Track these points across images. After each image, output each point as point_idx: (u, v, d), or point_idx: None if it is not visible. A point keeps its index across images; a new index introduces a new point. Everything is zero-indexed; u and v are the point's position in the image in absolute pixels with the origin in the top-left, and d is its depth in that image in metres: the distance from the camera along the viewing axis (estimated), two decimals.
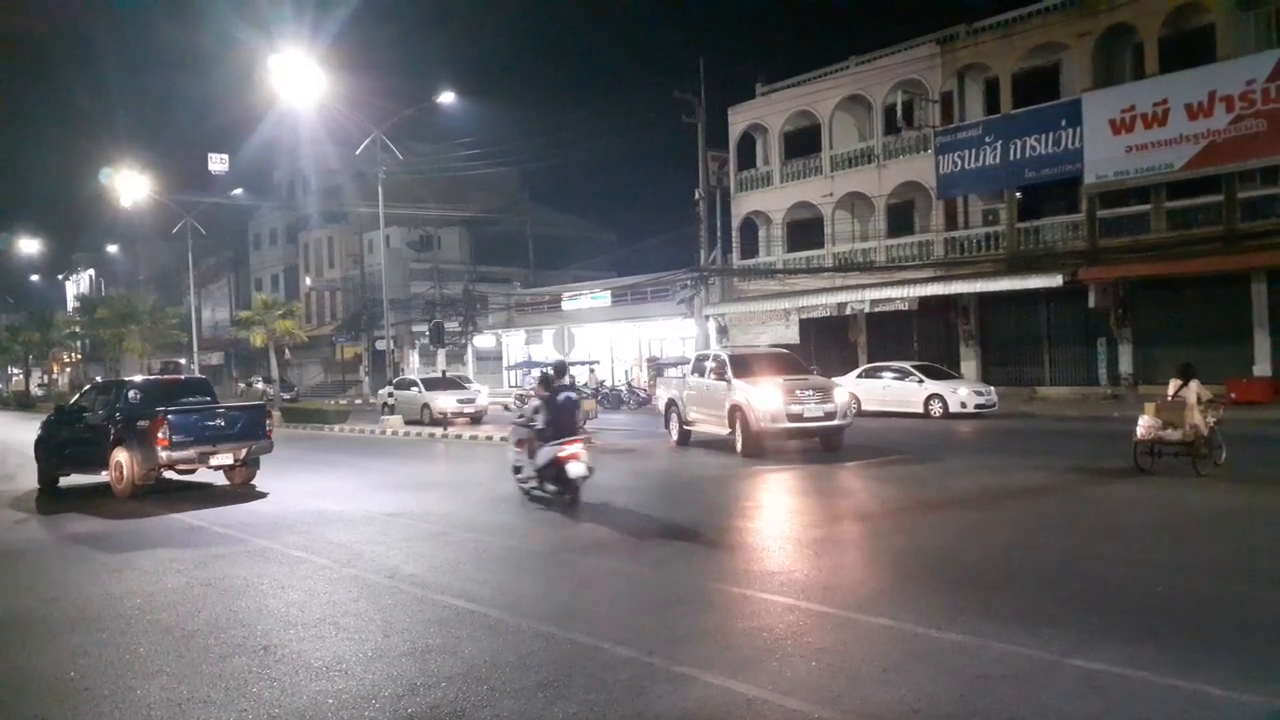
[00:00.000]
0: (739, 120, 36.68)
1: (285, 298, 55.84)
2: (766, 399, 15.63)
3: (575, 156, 60.01)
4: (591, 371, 33.68)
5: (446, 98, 29.68)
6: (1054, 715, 4.54)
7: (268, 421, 14.82)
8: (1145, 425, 12.37)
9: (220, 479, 14.94)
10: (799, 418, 15.59)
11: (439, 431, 24.26)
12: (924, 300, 29.78)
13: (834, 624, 6.19)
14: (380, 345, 46.40)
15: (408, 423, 26.48)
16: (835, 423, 15.87)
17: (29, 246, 72.00)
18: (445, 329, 41.76)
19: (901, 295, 30.12)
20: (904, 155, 31.42)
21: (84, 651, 6.19)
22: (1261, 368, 23.58)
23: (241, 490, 14.36)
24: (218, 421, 14.01)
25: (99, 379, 28.16)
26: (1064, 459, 14.54)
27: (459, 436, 23.14)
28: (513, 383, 43.62)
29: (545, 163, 60.90)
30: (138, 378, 16.99)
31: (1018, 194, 28.89)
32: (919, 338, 30.82)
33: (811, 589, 7.13)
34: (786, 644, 5.78)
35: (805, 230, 34.86)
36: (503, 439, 21.56)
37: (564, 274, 52.34)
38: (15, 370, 77.16)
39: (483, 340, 47.39)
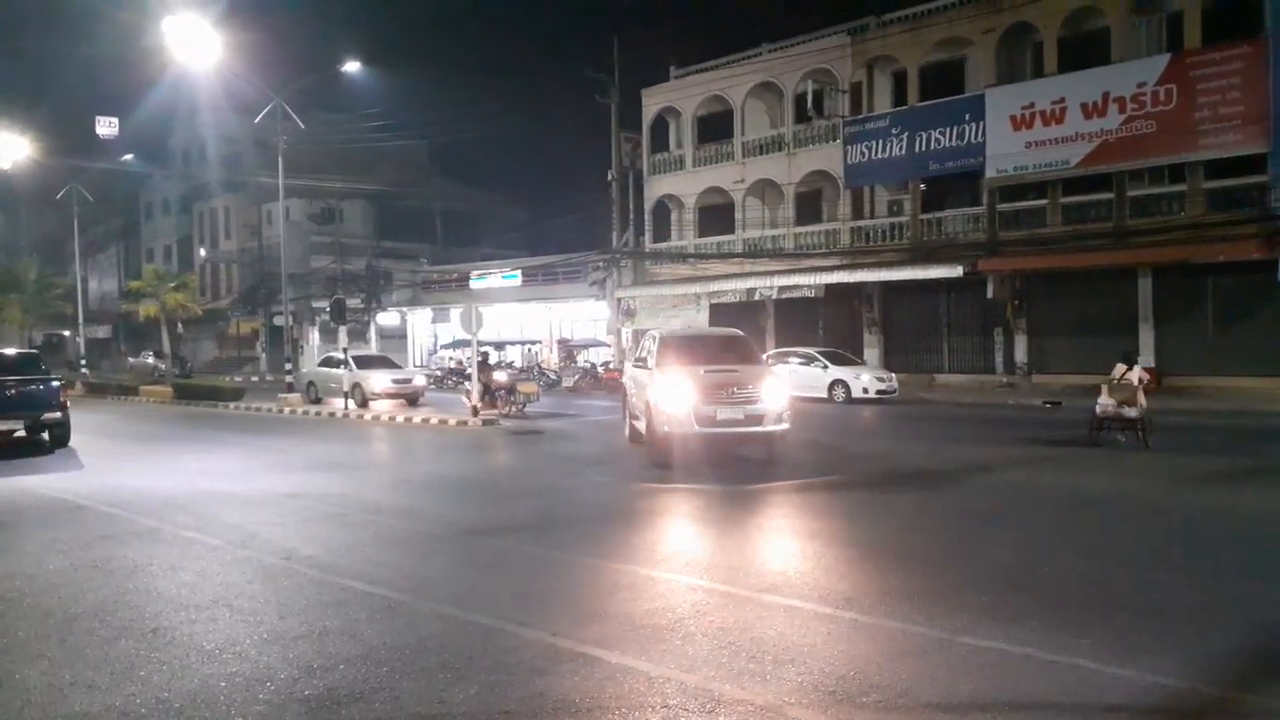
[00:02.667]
0: (652, 102, 36.66)
1: (179, 270, 53.68)
2: (673, 395, 12.34)
3: (486, 131, 59.26)
4: (530, 350, 32.88)
5: (352, 66, 28.81)
6: (944, 689, 4.70)
7: (61, 395, 16.29)
8: (1104, 404, 14.11)
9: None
10: (711, 420, 12.19)
11: (339, 411, 23.61)
12: (830, 287, 30.36)
13: (736, 603, 6.28)
14: (278, 321, 45.01)
15: (324, 403, 25.47)
16: (761, 429, 12.36)
17: None
18: (347, 306, 40.74)
19: (809, 282, 30.65)
20: (813, 144, 31.89)
21: None
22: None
23: (107, 468, 13.78)
24: (9, 392, 15.51)
25: None
26: (973, 444, 15.05)
27: (377, 418, 22.26)
28: (419, 363, 42.85)
29: (454, 137, 59.59)
30: None
31: (922, 185, 29.66)
32: (825, 324, 31.42)
33: (715, 570, 7.22)
34: (688, 623, 5.83)
35: (717, 215, 35.11)
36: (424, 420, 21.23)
37: (473, 252, 51.62)
38: None
39: (387, 318, 46.39)
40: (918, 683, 4.77)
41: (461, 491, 11.68)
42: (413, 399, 25.30)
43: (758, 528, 9.13)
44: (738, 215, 33.87)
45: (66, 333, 59.00)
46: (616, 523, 9.27)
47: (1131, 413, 13.90)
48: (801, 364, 25.33)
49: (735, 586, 6.65)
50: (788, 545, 8.29)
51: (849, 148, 30.38)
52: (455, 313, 43.47)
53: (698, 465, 12.34)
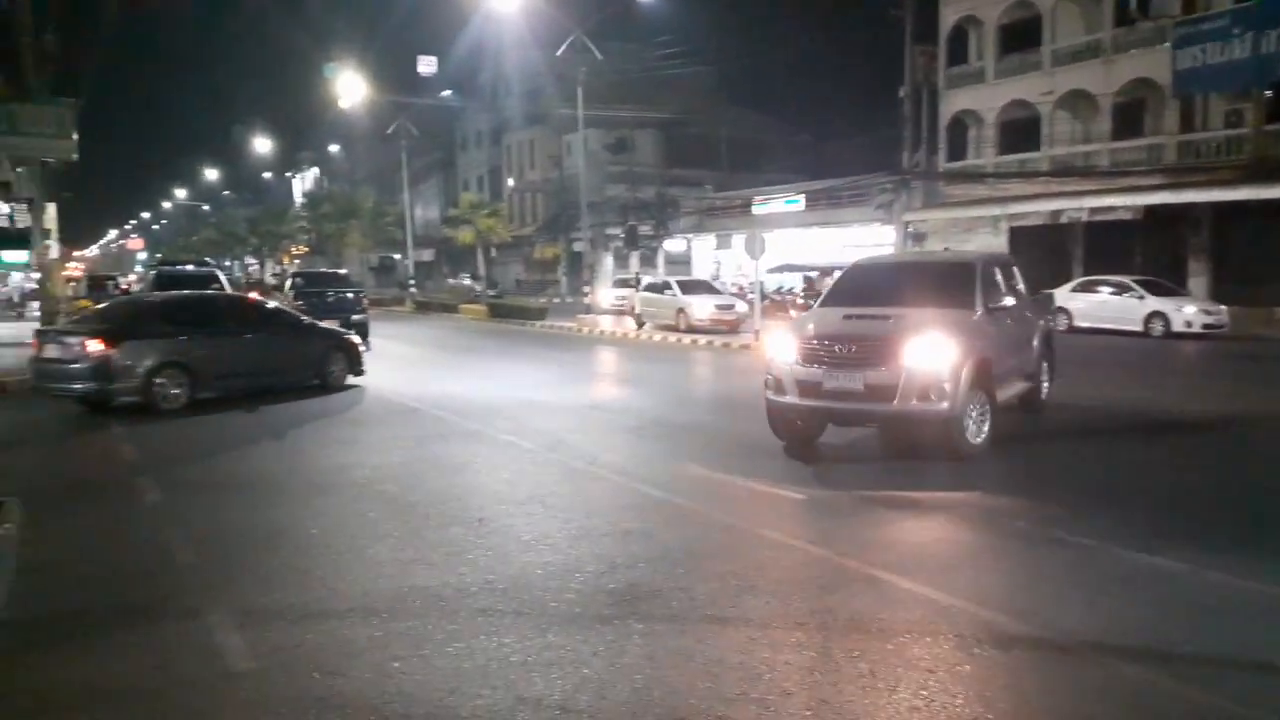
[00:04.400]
0: (951, 12, 34.40)
1: (490, 198, 57.96)
2: (779, 350, 8.94)
3: (773, 55, 58.25)
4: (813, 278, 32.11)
5: None
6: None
7: (364, 302, 22.53)
8: None
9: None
10: (816, 390, 8.46)
11: (633, 332, 24.73)
12: (1150, 209, 27.38)
13: (1029, 542, 6.06)
14: (577, 247, 47.59)
15: (659, 328, 24.59)
16: (889, 408, 8.20)
17: (262, 146, 77.93)
18: (639, 232, 42.30)
19: (1125, 203, 27.82)
20: (1136, 49, 28.61)
21: (323, 513, 6.96)
22: None
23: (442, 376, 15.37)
24: (329, 299, 21.59)
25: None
26: None
27: (677, 341, 22.45)
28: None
29: (742, 62, 59.34)
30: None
31: (1267, 93, 25.77)
32: (1142, 251, 28.46)
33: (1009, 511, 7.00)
34: (980, 559, 5.74)
35: (1019, 131, 32.62)
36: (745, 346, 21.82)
37: (757, 177, 51.45)
38: (251, 260, 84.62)
39: (673, 244, 47.66)
40: (1227, 640, 4.43)
41: (749, 412, 11.96)
42: (734, 326, 23.90)
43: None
44: (1044, 130, 31.27)
45: (397, 256, 65.82)
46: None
47: None
48: (1113, 293, 23.26)
49: (1030, 523, 6.42)
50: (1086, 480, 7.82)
51: (1179, 51, 26.88)
52: (739, 239, 43.89)
53: (808, 451, 8.99)
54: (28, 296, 35.05)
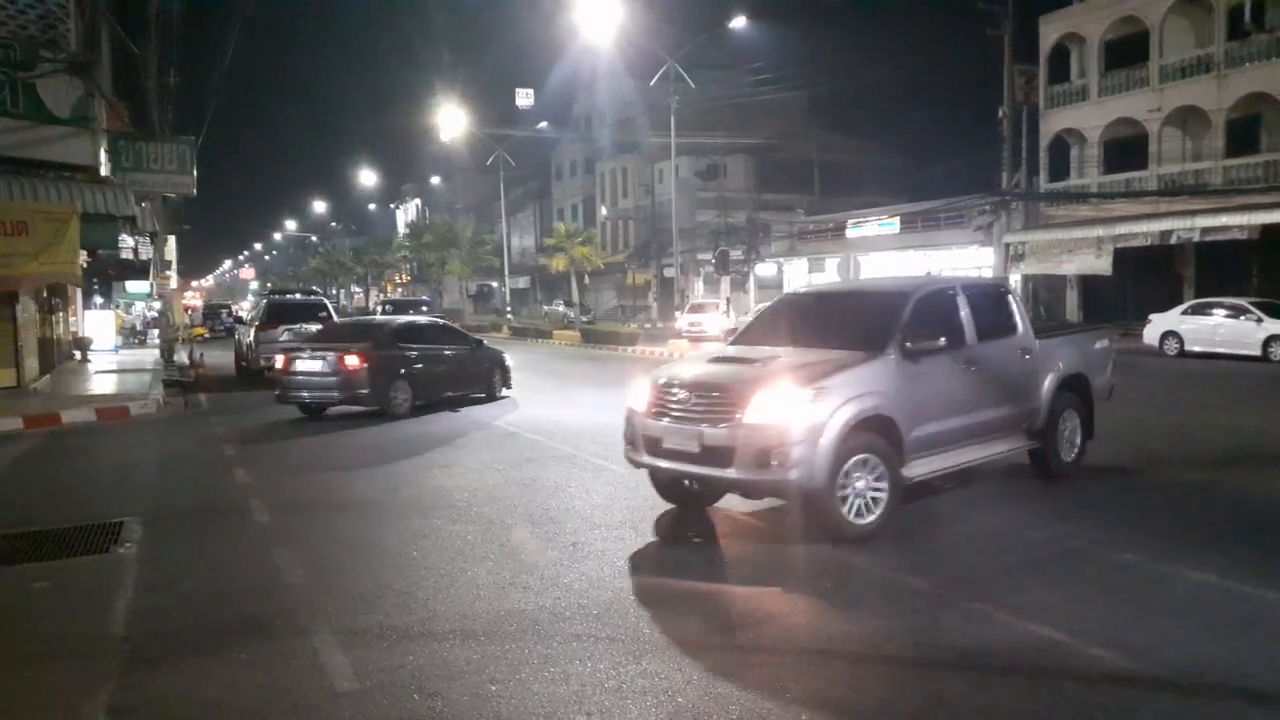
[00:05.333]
0: (1051, 30, 33.63)
1: (583, 226, 58.79)
2: (635, 400, 7.47)
3: (866, 78, 57.82)
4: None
5: (738, 23, 29.55)
6: None
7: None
8: None
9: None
10: (657, 447, 7.01)
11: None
12: (1269, 228, 26.13)
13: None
14: (668, 272, 47.82)
15: None
16: (726, 474, 6.54)
17: (368, 178, 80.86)
18: (730, 257, 42.21)
19: (1241, 222, 26.58)
20: (1251, 63, 27.46)
21: (422, 534, 7.13)
22: None
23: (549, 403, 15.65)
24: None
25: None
26: None
27: None
28: None
29: (834, 86, 59.08)
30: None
31: None
32: (1259, 272, 27.16)
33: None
34: (1086, 586, 5.55)
35: (1125, 150, 31.59)
36: None
37: (849, 201, 50.91)
38: (356, 289, 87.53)
39: (764, 269, 47.47)
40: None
41: None
42: None
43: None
44: (1151, 148, 30.19)
45: (494, 284, 67.26)
46: (1000, 480, 8.90)
47: None
48: (1228, 316, 22.21)
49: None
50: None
51: None
52: (831, 263, 43.49)
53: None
54: (149, 324, 36.98)
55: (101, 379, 20.37)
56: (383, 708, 4.13)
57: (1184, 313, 23.25)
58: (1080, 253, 31.70)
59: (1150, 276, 29.81)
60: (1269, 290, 25.43)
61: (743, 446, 6.32)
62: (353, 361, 13.68)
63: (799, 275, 46.12)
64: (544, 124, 56.08)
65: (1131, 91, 31.04)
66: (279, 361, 14.66)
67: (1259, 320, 21.56)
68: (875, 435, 6.58)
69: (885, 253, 38.34)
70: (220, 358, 25.04)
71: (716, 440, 6.45)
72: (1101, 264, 30.68)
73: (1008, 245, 33.61)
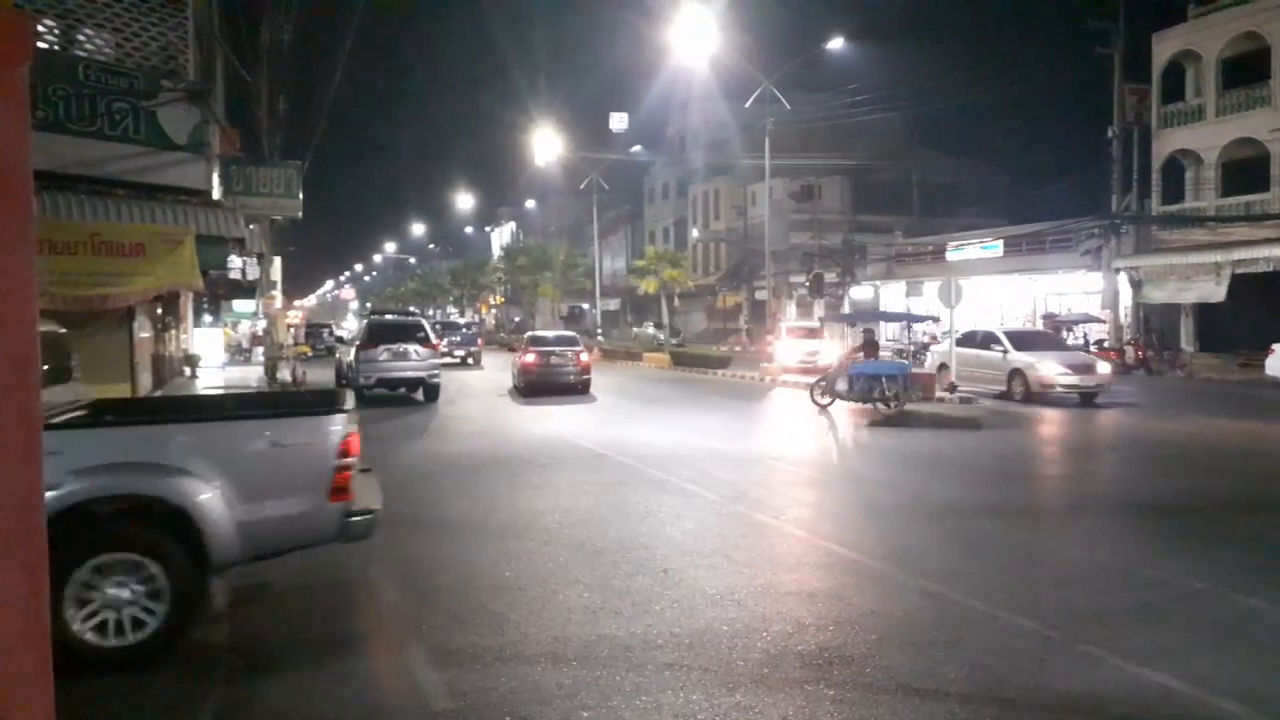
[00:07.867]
0: (1165, 48, 32.32)
1: (675, 248, 58.93)
2: None
3: (969, 97, 56.53)
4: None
5: (836, 44, 29.30)
6: None
7: (479, 340, 35.22)
8: None
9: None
10: None
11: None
12: None
13: None
14: (760, 295, 47.50)
15: (995, 396, 19.25)
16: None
17: (464, 202, 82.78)
18: (824, 279, 41.71)
19: None
20: None
21: (515, 556, 7.14)
22: None
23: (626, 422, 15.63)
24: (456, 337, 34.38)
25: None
26: None
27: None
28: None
29: (936, 105, 57.90)
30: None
31: None
32: None
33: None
34: (1203, 634, 5.20)
35: (1245, 171, 30.08)
36: None
37: (949, 223, 49.80)
38: (452, 309, 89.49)
39: (859, 291, 46.71)
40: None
41: (939, 470, 11.47)
42: (1090, 395, 18.38)
43: None
44: (1273, 170, 28.67)
45: (585, 305, 67.93)
46: (1113, 516, 8.49)
47: None
48: None
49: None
50: None
51: None
52: (930, 286, 42.50)
53: None
54: (254, 342, 38.45)
55: None
56: None
57: None
58: (1197, 278, 30.31)
59: (1272, 303, 28.27)
60: None
61: None
62: (586, 358, 21.42)
63: (896, 298, 45.25)
64: (637, 147, 56.58)
65: (1252, 110, 29.60)
66: (532, 357, 21.02)
67: None
68: None
69: (988, 276, 37.29)
70: (321, 375, 25.79)
71: None
72: (1218, 290, 29.29)
73: (1118, 270, 32.38)
